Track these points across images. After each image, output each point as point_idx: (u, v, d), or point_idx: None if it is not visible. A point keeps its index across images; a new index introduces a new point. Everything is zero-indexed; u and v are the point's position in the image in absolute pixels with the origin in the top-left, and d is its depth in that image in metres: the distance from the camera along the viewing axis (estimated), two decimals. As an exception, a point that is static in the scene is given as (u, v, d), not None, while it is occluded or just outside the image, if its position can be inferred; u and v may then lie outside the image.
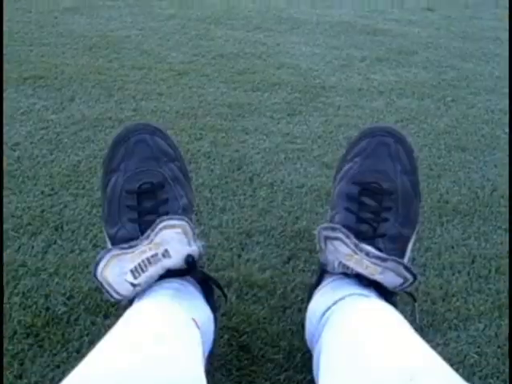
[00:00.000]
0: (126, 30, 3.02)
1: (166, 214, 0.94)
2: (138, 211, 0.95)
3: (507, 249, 1.42)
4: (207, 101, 2.16)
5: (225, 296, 1.05)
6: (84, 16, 3.27)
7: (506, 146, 1.96)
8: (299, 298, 1.18)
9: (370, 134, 1.00)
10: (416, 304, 1.02)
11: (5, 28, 2.83)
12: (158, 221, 0.90)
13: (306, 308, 0.99)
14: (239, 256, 1.31)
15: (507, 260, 1.38)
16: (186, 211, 0.97)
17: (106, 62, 2.56)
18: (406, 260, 0.98)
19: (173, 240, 0.89)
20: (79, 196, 1.53)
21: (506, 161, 1.86)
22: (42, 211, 1.46)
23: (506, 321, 1.18)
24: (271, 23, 3.19)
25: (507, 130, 2.08)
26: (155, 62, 2.55)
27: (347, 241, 0.90)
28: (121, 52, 2.69)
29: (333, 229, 0.91)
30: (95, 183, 1.57)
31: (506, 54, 2.94)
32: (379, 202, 0.96)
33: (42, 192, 1.54)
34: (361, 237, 0.93)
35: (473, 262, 1.36)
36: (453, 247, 1.41)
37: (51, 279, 1.21)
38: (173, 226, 0.90)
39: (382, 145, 0.98)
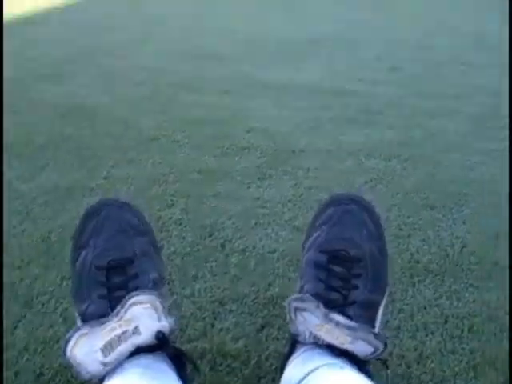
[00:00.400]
0: (96, 97, 3.05)
1: (136, 289, 0.94)
2: (108, 287, 0.94)
3: (479, 307, 1.43)
4: (178, 167, 2.18)
5: (197, 370, 1.04)
6: (55, 83, 3.30)
7: (473, 204, 1.99)
8: (273, 367, 1.18)
9: (336, 202, 1.02)
10: (388, 371, 1.02)
11: (-25, 98, 2.85)
12: (127, 297, 0.90)
13: (279, 379, 0.98)
14: (212, 325, 1.31)
15: (480, 318, 1.39)
16: (156, 285, 0.97)
17: (78, 129, 2.58)
18: (377, 325, 0.99)
19: (143, 316, 0.89)
20: (49, 268, 1.52)
21: (474, 217, 1.89)
22: (12, 284, 1.44)
23: (482, 380, 1.19)
24: (240, 87, 3.24)
25: (474, 187, 2.12)
26: (126, 129, 2.57)
27: (317, 311, 0.91)
28: (91, 119, 2.71)
29: (302, 300, 0.92)
30: (66, 254, 1.56)
31: (470, 110, 3.02)
32: (348, 269, 0.97)
33: (13, 264, 1.53)
34: (331, 305, 0.93)
35: (446, 321, 1.37)
36: (425, 308, 1.42)
37: (21, 356, 1.19)
38: (142, 302, 0.90)
39: (348, 212, 1.00)
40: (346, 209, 1.00)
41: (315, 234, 1.02)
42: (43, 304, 1.38)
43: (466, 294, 1.48)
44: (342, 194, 1.04)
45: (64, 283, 1.45)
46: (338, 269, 0.97)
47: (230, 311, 1.36)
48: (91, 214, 1.00)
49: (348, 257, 0.97)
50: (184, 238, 1.68)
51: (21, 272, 1.50)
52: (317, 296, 0.94)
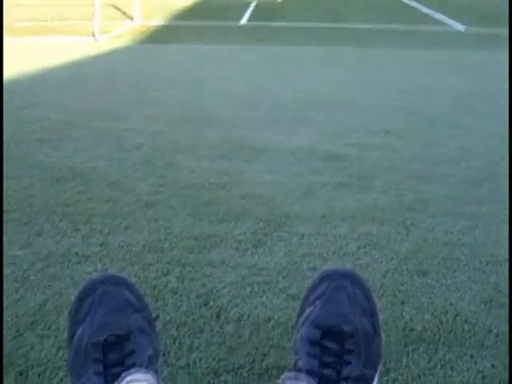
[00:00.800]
0: (93, 161, 3.09)
1: (133, 365, 0.95)
2: (104, 364, 0.96)
3: (474, 376, 1.44)
4: (173, 233, 2.20)
5: None
6: (52, 147, 3.35)
7: (466, 268, 2.01)
8: None
9: (328, 278, 1.04)
10: None
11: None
12: (124, 374, 0.91)
13: None
14: (207, 398, 1.31)
15: (473, 388, 1.39)
16: (151, 362, 0.98)
17: (74, 194, 2.61)
18: (371, 399, 1.00)
19: (140, 394, 0.90)
20: (45, 337, 1.53)
21: (467, 283, 1.91)
22: (8, 354, 1.44)
23: None
24: (234, 152, 3.29)
25: (466, 251, 2.14)
26: (122, 194, 2.60)
27: (311, 389, 0.92)
28: (88, 184, 2.74)
29: (296, 378, 0.93)
30: (62, 323, 1.57)
31: (460, 174, 3.06)
32: (341, 345, 0.98)
33: (8, 334, 1.53)
34: (324, 380, 0.95)
35: (440, 392, 1.38)
36: (420, 377, 1.42)
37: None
38: (139, 380, 0.91)
39: (340, 288, 1.02)
40: (339, 284, 1.02)
41: (308, 310, 1.04)
42: (39, 375, 1.38)
43: (460, 363, 1.49)
44: (334, 269, 1.06)
45: (60, 353, 1.45)
46: (331, 345, 0.98)
47: (225, 382, 1.36)
48: (88, 290, 1.02)
49: (341, 333, 0.99)
50: (179, 306, 1.69)
51: (16, 341, 1.50)
52: (310, 372, 0.95)
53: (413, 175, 3.01)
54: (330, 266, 1.31)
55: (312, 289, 1.06)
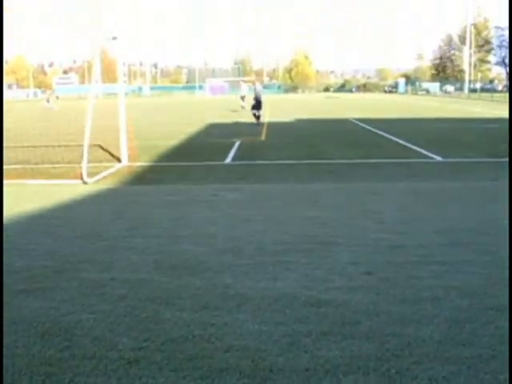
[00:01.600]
0: (77, 313, 3.10)
1: None
2: None
3: None
4: (158, 392, 2.19)
5: None
6: (37, 299, 3.36)
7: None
8: None
9: None
10: None
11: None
12: None
13: None
14: None
15: None
16: None
17: (57, 351, 2.60)
18: None
19: None
20: None
21: None
22: None
23: None
24: (218, 301, 3.30)
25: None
26: (106, 350, 2.60)
27: None
28: (72, 339, 2.74)
29: None
30: None
31: (445, 314, 3.09)
32: None
33: None
34: None
35: None
36: None
37: None
38: None
39: None
40: None
41: None
42: None
43: None
44: None
45: None
46: None
47: None
48: None
49: None
50: None
51: None
52: None
53: (396, 319, 3.03)
54: None
55: None
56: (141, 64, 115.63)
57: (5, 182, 7.65)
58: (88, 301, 3.32)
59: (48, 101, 36.22)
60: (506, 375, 2.38)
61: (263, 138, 15.96)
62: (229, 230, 5.44)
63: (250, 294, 3.42)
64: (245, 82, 23.89)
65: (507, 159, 8.83)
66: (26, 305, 3.25)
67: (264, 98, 21.65)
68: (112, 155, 11.49)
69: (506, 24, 70.88)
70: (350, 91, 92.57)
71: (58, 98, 42.48)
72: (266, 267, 4.04)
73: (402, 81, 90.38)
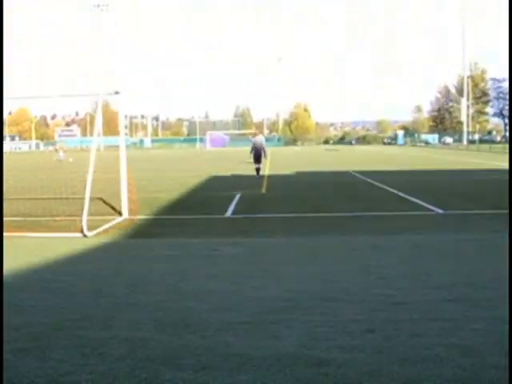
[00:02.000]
0: (76, 374, 3.06)
1: None
2: None
3: None
4: None
5: None
6: (36, 358, 3.33)
7: None
8: None
9: None
10: None
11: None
12: None
13: None
14: None
15: None
16: None
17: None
18: None
19: None
20: None
21: None
22: None
23: None
24: (219, 361, 3.27)
25: None
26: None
27: None
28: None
29: None
30: None
31: (448, 374, 3.04)
32: None
33: None
34: None
35: None
36: None
37: None
38: None
39: None
40: None
41: None
42: None
43: None
44: None
45: None
46: None
47: None
48: None
49: None
50: None
51: None
52: None
53: (399, 379, 2.99)
54: None
55: None
56: (142, 117, 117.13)
57: (4, 234, 7.63)
58: (87, 360, 3.28)
59: (59, 152, 37.07)
60: None
61: (264, 190, 16.02)
62: (229, 288, 5.41)
63: (251, 354, 3.38)
64: (255, 134, 24.15)
65: (507, 211, 8.84)
66: (25, 364, 3.22)
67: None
68: (113, 208, 11.51)
69: (503, 75, 72.11)
70: (350, 143, 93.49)
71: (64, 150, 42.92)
72: (267, 325, 4.01)
73: (400, 133, 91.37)
